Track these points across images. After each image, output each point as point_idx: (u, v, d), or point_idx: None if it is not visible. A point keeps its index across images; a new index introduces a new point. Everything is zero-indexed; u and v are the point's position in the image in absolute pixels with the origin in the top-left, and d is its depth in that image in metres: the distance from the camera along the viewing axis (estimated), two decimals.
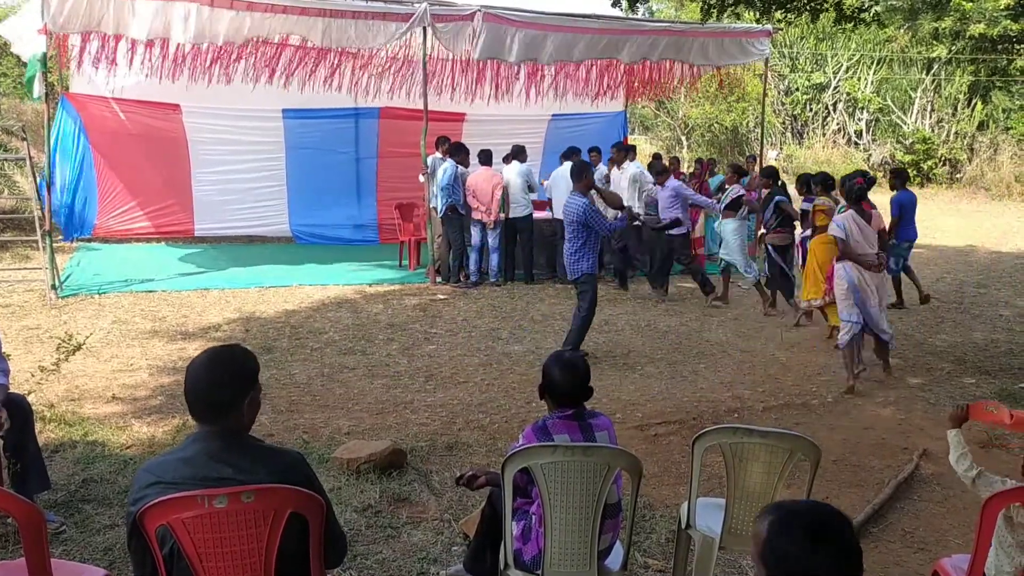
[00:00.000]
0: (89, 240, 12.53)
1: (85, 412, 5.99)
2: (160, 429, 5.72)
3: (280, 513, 2.36)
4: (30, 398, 4.58)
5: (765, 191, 10.19)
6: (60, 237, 11.40)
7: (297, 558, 2.43)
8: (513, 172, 11.29)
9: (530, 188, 11.32)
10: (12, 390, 4.21)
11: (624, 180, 11.05)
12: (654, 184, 10.67)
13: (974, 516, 3.14)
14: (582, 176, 7.46)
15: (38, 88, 9.33)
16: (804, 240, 9.10)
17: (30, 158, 10.33)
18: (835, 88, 26.44)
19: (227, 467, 2.37)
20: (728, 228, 10.08)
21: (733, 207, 9.98)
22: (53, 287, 9.48)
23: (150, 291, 10.07)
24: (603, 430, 3.28)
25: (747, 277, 10.17)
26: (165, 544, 2.33)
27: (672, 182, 10.50)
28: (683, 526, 3.68)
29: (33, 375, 5.91)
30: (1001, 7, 23.95)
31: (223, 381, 2.42)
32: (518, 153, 11.62)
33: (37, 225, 9.90)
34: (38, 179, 10.10)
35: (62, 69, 11.97)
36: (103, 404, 6.23)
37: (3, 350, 4.21)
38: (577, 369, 3.33)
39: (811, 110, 26.83)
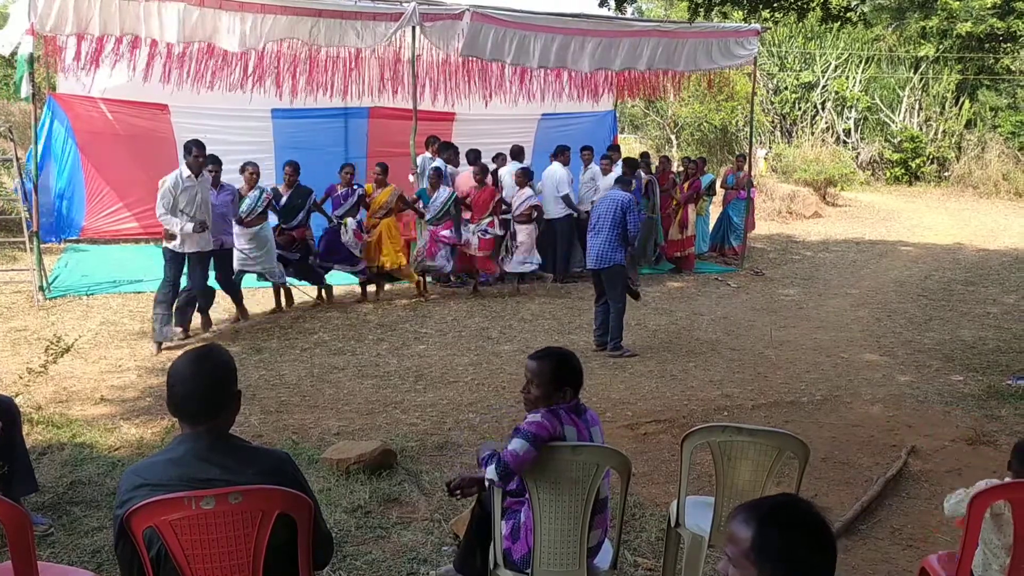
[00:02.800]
0: (77, 241, 12.46)
1: (73, 414, 5.97)
2: (149, 430, 5.70)
3: (268, 514, 2.35)
4: (18, 400, 4.56)
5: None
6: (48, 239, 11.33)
7: (285, 559, 2.43)
8: (507, 172, 11.30)
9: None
10: None
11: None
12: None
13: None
14: (625, 183, 8.38)
15: (25, 88, 9.28)
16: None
17: (17, 159, 10.27)
18: (823, 87, 26.52)
19: (214, 468, 2.36)
20: (270, 232, 9.23)
21: (264, 215, 9.20)
22: (41, 288, 9.43)
23: (139, 292, 10.01)
24: (596, 425, 3.30)
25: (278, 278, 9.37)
26: (152, 546, 2.32)
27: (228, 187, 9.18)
28: (672, 524, 3.69)
29: (21, 377, 5.88)
30: (987, 6, 24.09)
31: (214, 381, 2.43)
32: (516, 154, 11.63)
33: (24, 226, 9.84)
34: (25, 180, 10.04)
35: (49, 69, 11.90)
36: (91, 406, 6.20)
37: None
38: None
39: (800, 109, 26.90)
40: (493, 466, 3.11)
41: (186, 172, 7.80)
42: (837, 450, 5.74)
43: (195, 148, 7.85)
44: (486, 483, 3.27)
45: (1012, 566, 2.98)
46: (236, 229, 8.84)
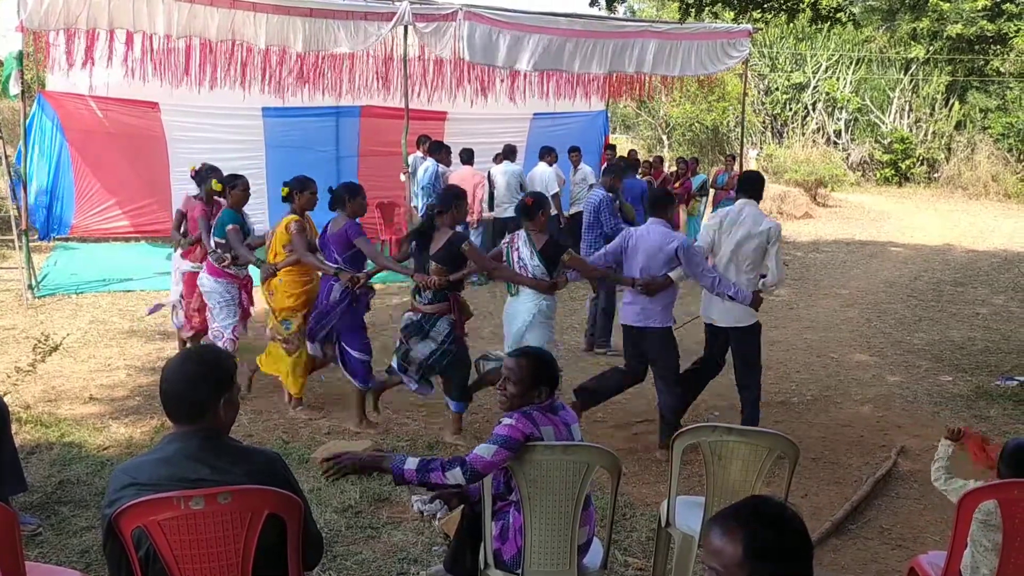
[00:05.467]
0: (67, 239, 12.40)
1: (62, 413, 5.93)
2: (138, 430, 5.67)
3: (257, 514, 2.34)
4: (6, 399, 4.52)
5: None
6: (36, 236, 11.27)
7: (275, 560, 2.42)
8: (500, 172, 11.30)
9: (521, 187, 11.34)
10: None
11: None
12: None
13: (951, 513, 3.17)
14: (613, 175, 8.14)
15: (14, 86, 9.23)
16: None
17: (6, 156, 10.21)
18: (814, 88, 26.60)
19: (204, 467, 2.35)
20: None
21: None
22: (30, 287, 9.38)
23: (128, 291, 9.98)
24: (574, 422, 3.31)
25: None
26: (141, 546, 2.31)
27: None
28: (663, 524, 3.70)
29: (9, 376, 5.87)
30: (978, 8, 24.19)
31: (197, 381, 2.40)
32: (508, 153, 11.64)
33: (13, 224, 9.79)
34: (14, 178, 9.98)
35: (39, 67, 11.84)
36: (80, 405, 6.17)
37: None
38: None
39: (791, 110, 26.97)
40: (458, 470, 3.02)
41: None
42: (827, 450, 5.76)
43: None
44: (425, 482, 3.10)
45: (1001, 566, 2.99)
46: None
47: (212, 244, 6.39)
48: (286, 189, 6.05)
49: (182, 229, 7.12)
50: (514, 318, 5.55)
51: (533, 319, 5.49)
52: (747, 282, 5.55)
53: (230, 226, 6.24)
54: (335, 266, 5.69)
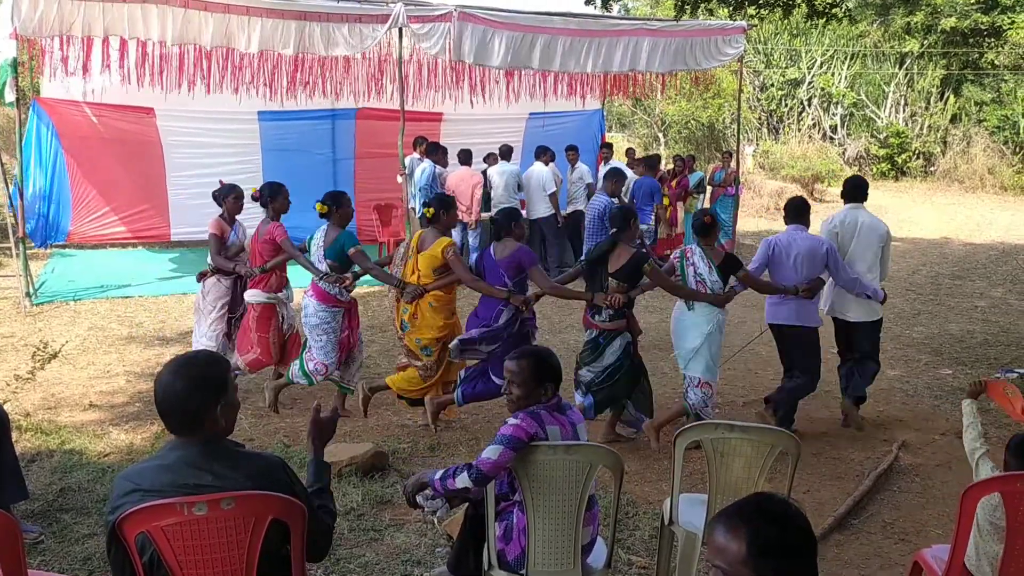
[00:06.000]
0: (63, 246, 12.38)
1: (62, 420, 5.92)
2: (138, 436, 5.67)
3: (261, 519, 2.34)
4: (6, 407, 4.52)
5: None
6: (32, 244, 11.25)
7: (278, 564, 2.42)
8: (497, 172, 11.29)
9: (519, 187, 11.36)
10: None
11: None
12: None
13: (953, 507, 3.17)
14: (614, 180, 8.37)
15: (9, 93, 9.22)
16: None
17: (2, 164, 10.19)
18: (809, 83, 26.62)
19: (206, 474, 2.34)
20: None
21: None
22: (27, 294, 9.36)
23: (126, 296, 9.97)
24: (580, 422, 3.31)
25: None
26: (145, 552, 2.31)
27: None
28: (666, 522, 3.70)
29: (8, 384, 5.85)
30: (972, 1, 24.21)
31: (190, 394, 2.35)
32: (505, 154, 11.63)
33: (10, 232, 9.78)
34: (10, 185, 9.97)
35: (33, 75, 11.81)
36: (80, 412, 6.16)
37: None
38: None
39: (786, 105, 26.98)
40: (465, 474, 3.09)
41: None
42: (828, 445, 5.77)
43: None
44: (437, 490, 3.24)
45: (1005, 557, 2.99)
46: None
47: (325, 267, 5.90)
48: (431, 209, 5.85)
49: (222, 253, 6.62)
50: (691, 330, 5.63)
51: (710, 331, 5.58)
52: (874, 280, 5.94)
53: (353, 248, 5.83)
54: (505, 290, 5.59)
